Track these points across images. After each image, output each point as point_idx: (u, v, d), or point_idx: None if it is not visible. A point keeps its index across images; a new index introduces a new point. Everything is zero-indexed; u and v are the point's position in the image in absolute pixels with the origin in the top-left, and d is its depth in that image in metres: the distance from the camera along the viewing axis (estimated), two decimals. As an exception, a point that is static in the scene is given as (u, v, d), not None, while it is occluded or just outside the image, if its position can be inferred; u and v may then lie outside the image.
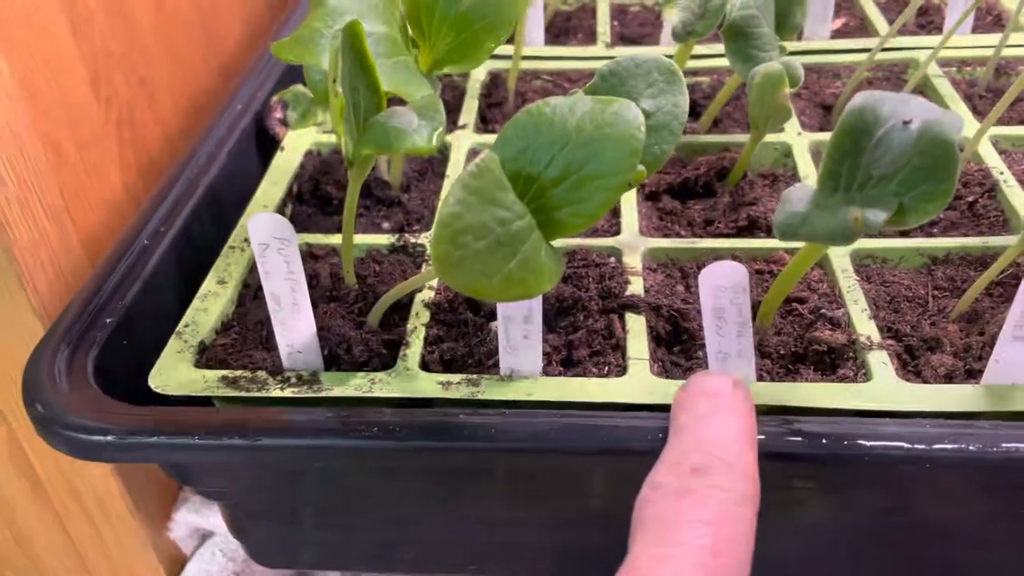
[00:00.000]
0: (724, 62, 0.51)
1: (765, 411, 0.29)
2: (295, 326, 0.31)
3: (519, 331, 0.30)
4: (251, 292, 0.37)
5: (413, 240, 0.39)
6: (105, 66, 0.49)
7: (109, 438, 0.28)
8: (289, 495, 0.35)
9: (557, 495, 0.33)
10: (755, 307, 0.33)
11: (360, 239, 0.39)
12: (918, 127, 0.25)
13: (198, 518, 0.55)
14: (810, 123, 0.47)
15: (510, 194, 0.23)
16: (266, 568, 0.51)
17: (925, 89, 0.48)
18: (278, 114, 0.46)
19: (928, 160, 0.25)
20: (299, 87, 0.47)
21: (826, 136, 0.44)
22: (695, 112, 0.48)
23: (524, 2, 0.30)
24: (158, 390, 0.31)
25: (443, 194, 0.41)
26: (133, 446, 0.28)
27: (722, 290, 0.28)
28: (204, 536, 0.57)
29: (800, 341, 0.33)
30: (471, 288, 0.23)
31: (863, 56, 0.51)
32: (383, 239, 0.39)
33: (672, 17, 0.41)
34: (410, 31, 0.33)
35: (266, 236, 0.28)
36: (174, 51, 0.57)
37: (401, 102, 0.30)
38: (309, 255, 0.38)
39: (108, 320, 0.34)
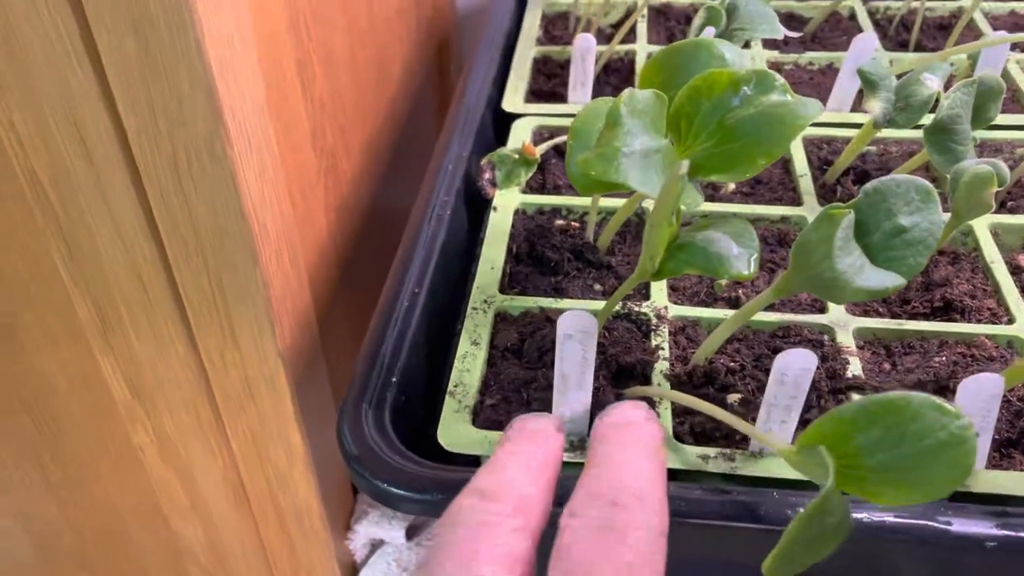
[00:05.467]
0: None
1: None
2: (575, 400, 0.35)
3: (779, 416, 0.34)
4: (499, 352, 0.41)
5: (636, 309, 0.43)
6: (320, 120, 0.53)
7: (431, 496, 0.33)
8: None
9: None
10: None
11: (584, 304, 0.43)
12: None
13: (377, 530, 0.60)
14: (978, 198, 0.50)
15: (837, 504, 0.26)
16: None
17: (1090, 171, 0.51)
18: (487, 175, 0.50)
19: None
20: (503, 150, 0.51)
21: (1005, 218, 0.47)
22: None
23: (803, 123, 0.34)
24: (449, 448, 0.36)
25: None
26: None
27: (979, 396, 0.31)
28: (375, 546, 0.62)
29: (1012, 427, 0.37)
30: None
31: (1023, 134, 0.54)
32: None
33: (874, 108, 0.45)
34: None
35: (571, 329, 0.33)
36: (360, 98, 0.62)
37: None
38: (545, 319, 0.43)
39: (393, 380, 0.38)
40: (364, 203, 0.64)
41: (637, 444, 0.26)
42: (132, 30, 0.35)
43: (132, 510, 0.58)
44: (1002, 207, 0.50)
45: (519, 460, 0.27)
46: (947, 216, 0.42)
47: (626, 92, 0.35)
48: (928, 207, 0.33)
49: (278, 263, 0.45)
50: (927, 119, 0.44)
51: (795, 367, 0.32)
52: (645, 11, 0.69)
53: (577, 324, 0.33)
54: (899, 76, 0.53)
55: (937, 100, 0.45)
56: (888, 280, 0.32)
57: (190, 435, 0.52)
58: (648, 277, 0.33)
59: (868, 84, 0.45)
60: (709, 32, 0.47)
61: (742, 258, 0.30)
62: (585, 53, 0.56)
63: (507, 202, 0.50)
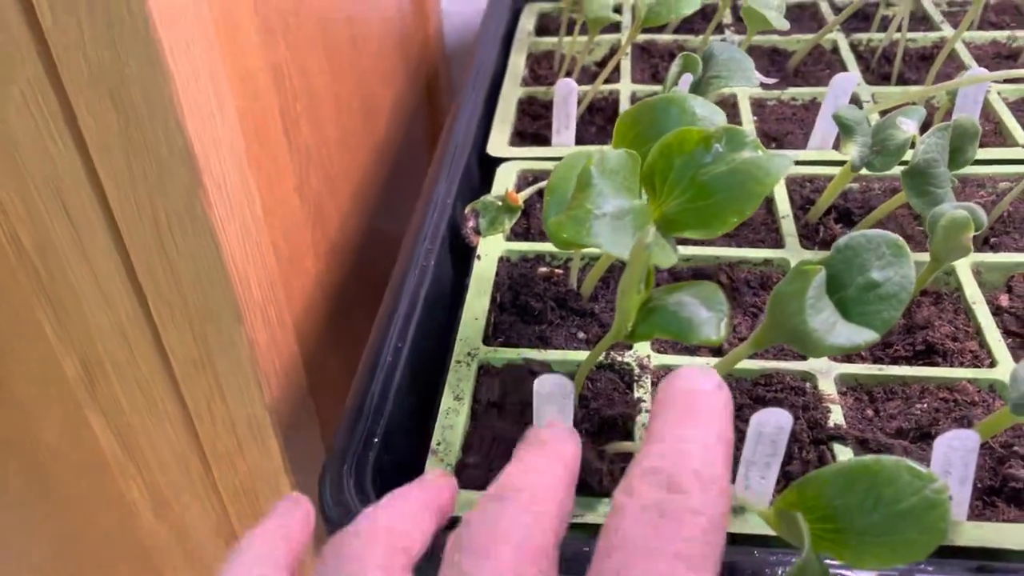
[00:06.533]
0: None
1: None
2: (555, 460, 0.35)
3: (758, 473, 0.34)
4: (482, 407, 0.41)
5: (619, 359, 0.43)
6: (305, 167, 0.54)
7: (412, 563, 0.33)
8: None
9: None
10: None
11: (568, 355, 0.43)
12: None
13: None
14: (960, 234, 0.50)
15: (815, 568, 0.26)
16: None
17: (1071, 205, 0.51)
18: (471, 223, 0.51)
19: None
20: (487, 197, 0.52)
21: (988, 256, 0.48)
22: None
23: (772, 181, 0.34)
24: (431, 511, 0.36)
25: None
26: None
27: (955, 451, 0.32)
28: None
29: (994, 474, 0.37)
30: None
31: (1006, 168, 0.54)
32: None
33: (850, 152, 0.45)
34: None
35: (548, 390, 0.33)
36: (347, 140, 0.62)
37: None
38: (529, 371, 0.43)
39: (375, 440, 0.38)
40: (353, 243, 0.64)
41: (703, 417, 0.24)
42: (111, 103, 0.35)
43: (127, 562, 0.58)
44: (985, 244, 0.50)
45: (535, 468, 0.26)
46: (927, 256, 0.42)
47: (597, 153, 0.35)
48: (900, 261, 0.34)
49: (263, 319, 0.45)
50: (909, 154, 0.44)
51: (770, 425, 0.32)
52: (629, 49, 0.69)
53: (553, 387, 0.33)
54: (883, 113, 0.53)
55: (914, 143, 0.45)
56: (860, 336, 0.32)
57: (182, 489, 0.52)
58: (622, 339, 0.33)
59: (844, 129, 0.45)
60: (686, 79, 0.47)
61: (711, 322, 0.30)
62: (567, 97, 0.57)
63: (491, 249, 0.51)
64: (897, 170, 0.53)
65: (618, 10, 0.73)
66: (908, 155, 0.45)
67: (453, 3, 0.92)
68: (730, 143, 0.35)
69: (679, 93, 0.39)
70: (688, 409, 0.25)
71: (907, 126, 0.44)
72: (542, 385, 0.33)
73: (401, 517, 0.28)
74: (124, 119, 0.35)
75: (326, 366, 0.57)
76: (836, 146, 0.57)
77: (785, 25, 0.54)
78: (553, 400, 0.33)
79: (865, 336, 0.32)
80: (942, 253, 0.42)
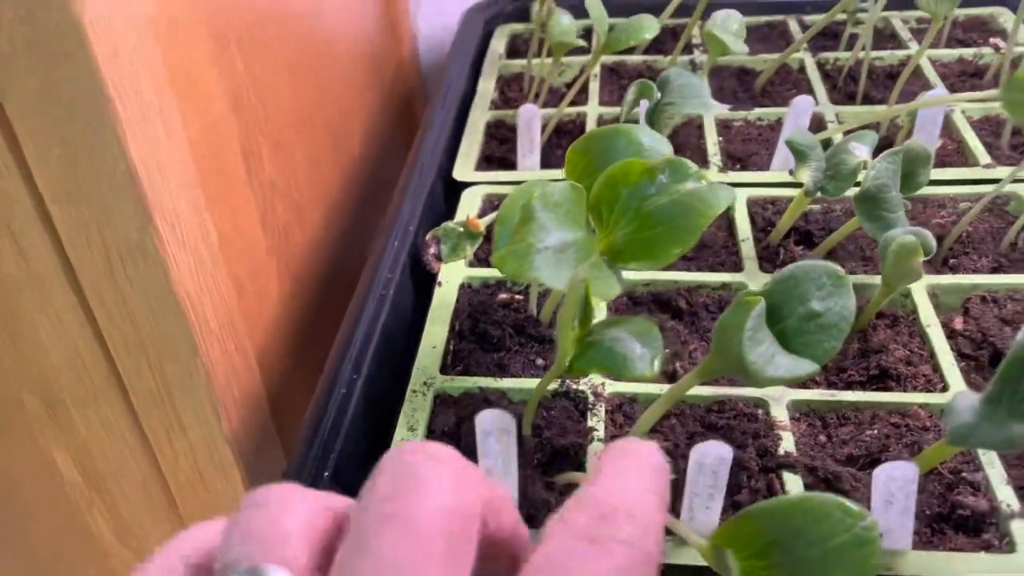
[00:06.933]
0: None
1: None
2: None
3: (702, 503, 0.34)
4: (436, 437, 0.41)
5: (574, 386, 0.43)
6: (270, 199, 0.54)
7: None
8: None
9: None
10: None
11: (524, 383, 0.43)
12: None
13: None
14: (920, 255, 0.51)
15: None
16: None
17: (1030, 225, 0.51)
18: (433, 250, 0.51)
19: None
20: (449, 224, 0.52)
21: (944, 279, 0.48)
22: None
23: (713, 213, 0.34)
24: (379, 544, 0.36)
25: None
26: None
27: (895, 482, 0.32)
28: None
29: (943, 501, 0.37)
30: None
31: (966, 188, 0.54)
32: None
33: (804, 177, 0.45)
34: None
35: (490, 426, 0.33)
36: (315, 168, 0.62)
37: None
38: (484, 400, 0.43)
39: (326, 475, 0.38)
40: (322, 268, 0.65)
41: (640, 469, 0.25)
42: (55, 135, 0.36)
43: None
44: (944, 264, 0.50)
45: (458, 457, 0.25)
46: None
47: (540, 186, 0.35)
48: (840, 291, 0.34)
49: (221, 350, 0.45)
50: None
51: (711, 456, 0.32)
52: (598, 70, 0.69)
53: (494, 422, 0.33)
54: (846, 133, 0.53)
55: (867, 167, 0.45)
56: (800, 368, 0.32)
57: (146, 519, 0.52)
58: (563, 373, 0.33)
59: (797, 154, 0.45)
60: (643, 106, 0.48)
61: (645, 358, 0.30)
62: (530, 121, 0.57)
63: (453, 276, 0.51)
64: (853, 192, 0.54)
65: (589, 32, 0.74)
66: (863, 177, 0.45)
67: (430, 25, 0.92)
68: (674, 174, 0.36)
69: (626, 125, 0.39)
70: (628, 466, 0.25)
71: (859, 151, 0.44)
72: (483, 420, 0.33)
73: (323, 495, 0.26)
74: (71, 152, 0.36)
75: (291, 392, 0.57)
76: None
77: (743, 49, 0.54)
78: (495, 435, 0.33)
79: (805, 367, 0.33)
80: (893, 278, 0.42)
